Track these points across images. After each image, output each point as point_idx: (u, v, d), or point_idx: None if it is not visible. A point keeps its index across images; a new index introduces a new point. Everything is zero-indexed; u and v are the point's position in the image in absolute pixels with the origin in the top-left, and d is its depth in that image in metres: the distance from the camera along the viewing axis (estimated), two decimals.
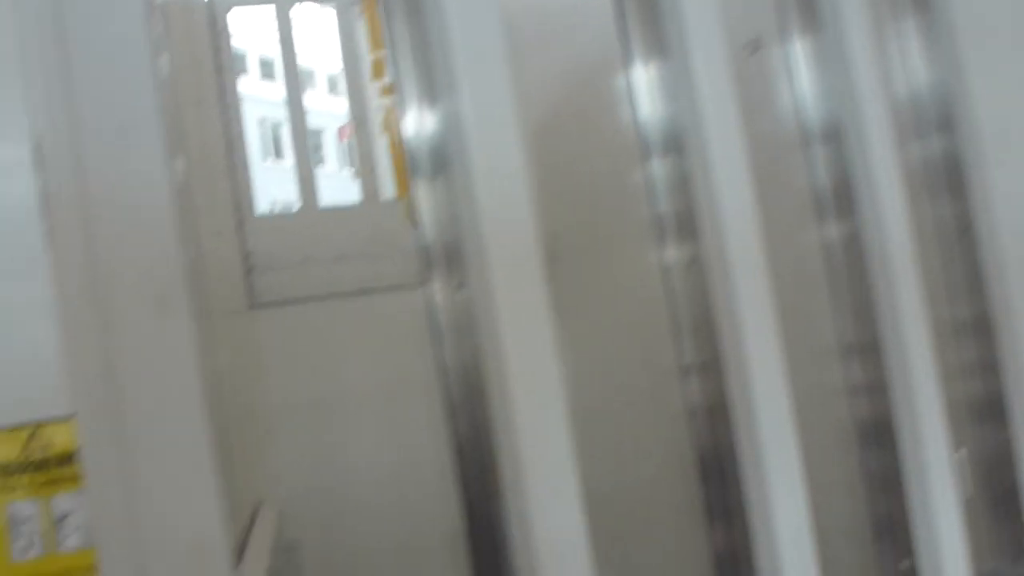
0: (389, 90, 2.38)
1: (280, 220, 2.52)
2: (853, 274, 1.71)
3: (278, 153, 14.32)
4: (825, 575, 1.49)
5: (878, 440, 1.72)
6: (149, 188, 1.04)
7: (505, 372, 1.28)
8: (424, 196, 1.42)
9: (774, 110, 1.79)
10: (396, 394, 2.51)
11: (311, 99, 2.64)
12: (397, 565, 2.48)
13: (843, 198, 1.69)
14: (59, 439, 1.11)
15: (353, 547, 2.46)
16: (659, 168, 1.66)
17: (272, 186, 9.98)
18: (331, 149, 14.37)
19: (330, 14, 2.71)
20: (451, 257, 1.39)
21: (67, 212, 1.01)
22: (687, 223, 1.60)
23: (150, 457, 1.06)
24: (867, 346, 1.71)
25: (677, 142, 1.59)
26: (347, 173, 12.43)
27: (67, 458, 1.11)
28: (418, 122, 1.41)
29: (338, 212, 2.57)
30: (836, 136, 1.68)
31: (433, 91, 1.38)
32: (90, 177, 1.03)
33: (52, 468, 1.11)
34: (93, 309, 1.04)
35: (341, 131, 13.05)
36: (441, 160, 1.38)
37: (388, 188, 2.72)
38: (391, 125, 2.64)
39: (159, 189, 1.06)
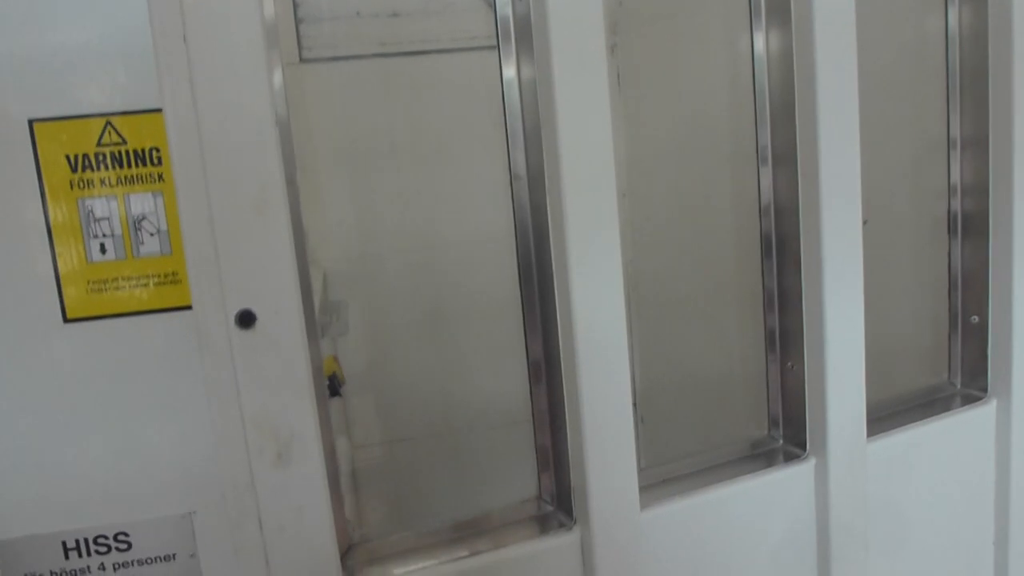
0: None
1: None
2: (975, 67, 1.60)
3: None
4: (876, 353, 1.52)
5: (968, 235, 1.70)
6: None
7: (558, 144, 1.23)
8: None
9: None
10: (448, 162, 2.47)
11: None
12: (444, 328, 2.55)
13: None
14: (136, 134, 1.04)
15: (399, 310, 2.52)
16: None
17: None
18: None
19: None
20: (519, 24, 1.31)
21: None
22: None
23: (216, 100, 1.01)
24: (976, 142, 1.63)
25: None
26: None
27: (144, 155, 1.05)
28: None
29: None
30: None
31: None
32: None
33: (128, 165, 1.04)
34: None
35: None
36: None
37: None
38: None
39: None
